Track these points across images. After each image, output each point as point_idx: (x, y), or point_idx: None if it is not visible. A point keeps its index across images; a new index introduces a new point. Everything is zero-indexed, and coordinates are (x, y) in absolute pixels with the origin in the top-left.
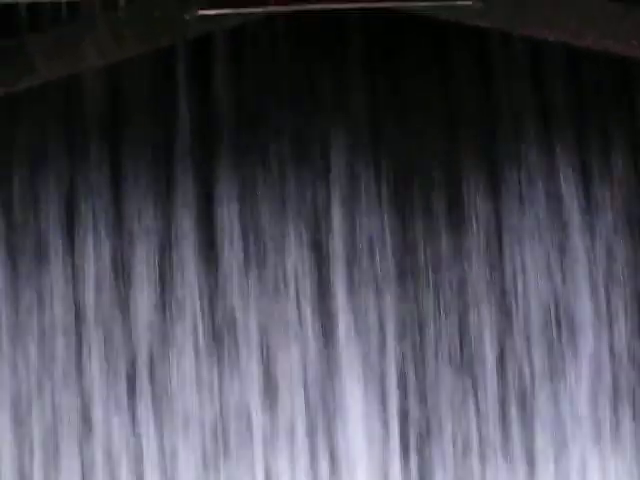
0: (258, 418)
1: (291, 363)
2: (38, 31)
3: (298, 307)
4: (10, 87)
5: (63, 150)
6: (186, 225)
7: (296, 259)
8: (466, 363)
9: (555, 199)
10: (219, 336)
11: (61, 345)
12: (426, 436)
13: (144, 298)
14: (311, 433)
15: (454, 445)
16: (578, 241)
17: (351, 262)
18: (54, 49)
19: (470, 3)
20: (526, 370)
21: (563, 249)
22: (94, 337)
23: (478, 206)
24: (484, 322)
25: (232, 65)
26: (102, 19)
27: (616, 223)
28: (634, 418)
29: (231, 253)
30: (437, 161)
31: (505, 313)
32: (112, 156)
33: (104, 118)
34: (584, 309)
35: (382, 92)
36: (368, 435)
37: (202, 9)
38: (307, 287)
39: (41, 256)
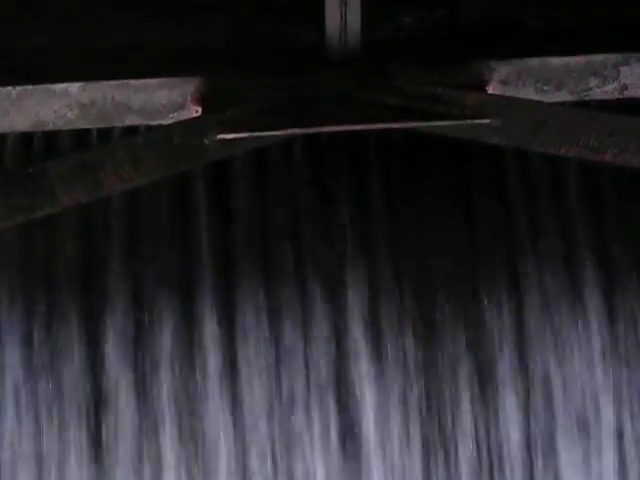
0: None
1: None
2: (58, 157)
3: (322, 439)
4: (31, 214)
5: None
6: (210, 359)
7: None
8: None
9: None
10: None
11: None
12: None
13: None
14: None
15: None
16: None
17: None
18: (74, 175)
19: (487, 121)
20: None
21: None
22: None
23: (499, 324)
24: (511, 428)
25: (252, 188)
26: (121, 145)
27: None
28: None
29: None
30: (456, 279)
31: (532, 418)
32: (132, 284)
33: (122, 243)
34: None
35: (401, 210)
36: None
37: (221, 133)
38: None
39: (63, 395)
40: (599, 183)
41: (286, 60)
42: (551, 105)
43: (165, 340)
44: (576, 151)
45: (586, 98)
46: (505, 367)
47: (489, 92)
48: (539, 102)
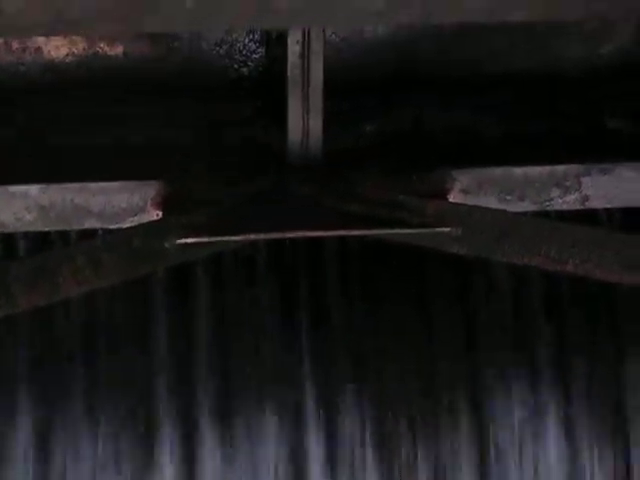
0: None
1: None
2: (16, 259)
3: None
4: None
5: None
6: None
7: None
8: None
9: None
10: None
11: None
12: None
13: None
14: None
15: None
16: None
17: None
18: (33, 278)
19: (448, 230)
20: None
21: None
22: None
23: (458, 436)
24: None
25: (212, 292)
26: (81, 248)
27: None
28: None
29: None
30: (417, 389)
31: None
32: (87, 387)
33: (78, 347)
34: None
35: (360, 316)
36: None
37: (182, 237)
38: None
39: None
40: (561, 292)
41: (249, 165)
42: (513, 214)
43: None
44: (538, 261)
45: (548, 208)
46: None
47: (450, 201)
48: (501, 211)
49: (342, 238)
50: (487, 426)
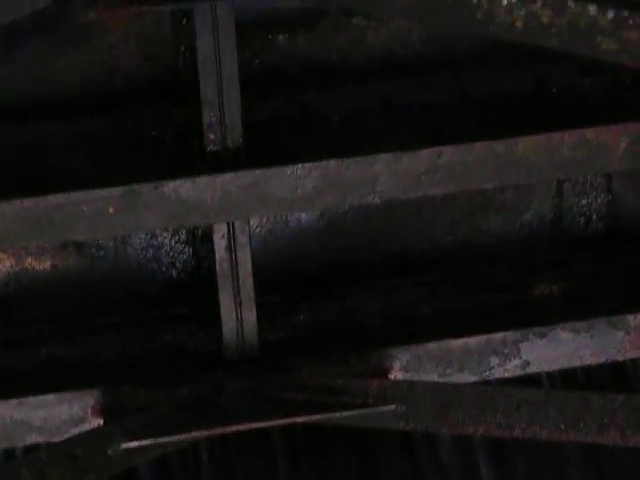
0: None
1: None
2: None
3: None
4: None
5: None
6: None
7: None
8: None
9: None
10: None
11: None
12: None
13: None
14: None
15: None
16: None
17: None
18: None
19: (392, 407)
20: None
21: None
22: None
23: None
24: None
25: None
26: (24, 462)
27: None
28: None
29: None
30: None
31: None
32: None
33: None
34: None
35: None
36: None
37: (124, 442)
38: None
39: None
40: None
41: (186, 364)
42: (454, 385)
43: None
44: (484, 429)
45: (489, 377)
46: None
47: (391, 379)
48: (442, 384)
49: (288, 428)
50: None
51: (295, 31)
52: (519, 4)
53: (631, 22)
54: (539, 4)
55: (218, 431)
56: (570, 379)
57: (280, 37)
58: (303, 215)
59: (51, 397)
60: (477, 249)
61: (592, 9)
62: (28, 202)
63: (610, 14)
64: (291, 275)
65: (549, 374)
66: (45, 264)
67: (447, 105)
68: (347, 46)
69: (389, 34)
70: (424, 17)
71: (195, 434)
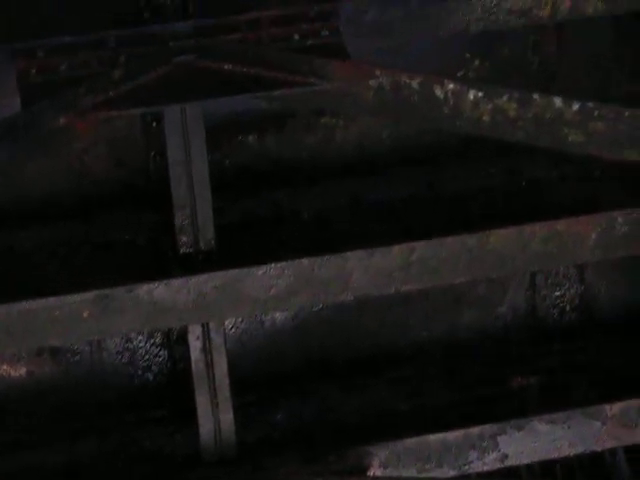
0: None
1: None
2: None
3: None
4: None
5: None
6: None
7: None
8: None
9: None
10: None
11: None
12: None
13: None
14: None
15: None
16: None
17: None
18: None
19: None
20: None
21: None
22: None
23: None
24: None
25: None
26: None
27: None
28: None
29: None
30: None
31: None
32: None
33: None
34: None
35: None
36: None
37: None
38: None
39: None
40: None
41: (164, 468)
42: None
43: None
44: None
45: (468, 471)
46: None
47: (370, 476)
48: (422, 478)
49: None
50: None
51: (264, 132)
52: (485, 99)
53: (597, 113)
54: (505, 98)
55: None
56: (549, 470)
57: (250, 138)
58: (278, 314)
59: None
60: (452, 344)
61: (557, 101)
62: (2, 308)
63: (575, 106)
64: (267, 374)
65: (528, 466)
66: (20, 370)
67: (417, 200)
68: (317, 145)
69: (359, 132)
70: (392, 114)
71: None
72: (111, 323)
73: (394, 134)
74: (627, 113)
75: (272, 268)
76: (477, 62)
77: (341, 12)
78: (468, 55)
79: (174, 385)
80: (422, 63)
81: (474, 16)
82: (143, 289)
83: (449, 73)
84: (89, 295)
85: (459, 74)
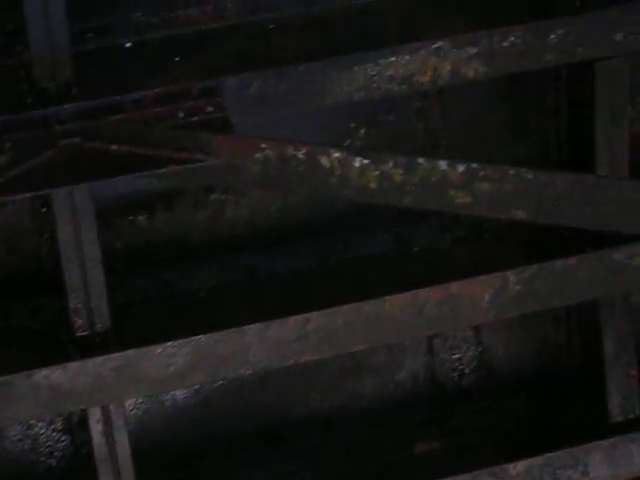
0: None
1: None
2: None
3: None
4: None
5: None
6: None
7: None
8: None
9: None
10: None
11: None
12: None
13: None
14: None
15: None
16: None
17: None
18: None
19: None
20: None
21: None
22: None
23: None
24: None
25: None
26: None
27: None
28: None
29: None
30: None
31: None
32: None
33: None
34: None
35: None
36: None
37: None
38: None
39: None
40: None
41: None
42: None
43: None
44: None
45: None
46: None
47: None
48: None
49: None
50: None
51: (154, 211)
52: (371, 165)
53: (482, 174)
54: (391, 164)
55: None
56: None
57: (140, 218)
58: (178, 392)
59: None
60: (355, 413)
61: (443, 164)
62: None
63: (460, 168)
64: (171, 454)
65: None
66: None
67: (312, 271)
68: (208, 221)
69: (249, 206)
70: (280, 186)
71: None
72: (11, 410)
73: (285, 206)
74: (512, 172)
75: (169, 346)
76: (363, 131)
77: (224, 87)
78: (353, 124)
79: (78, 469)
80: (308, 134)
81: (357, 85)
82: (41, 374)
83: (336, 143)
84: None
85: (346, 143)
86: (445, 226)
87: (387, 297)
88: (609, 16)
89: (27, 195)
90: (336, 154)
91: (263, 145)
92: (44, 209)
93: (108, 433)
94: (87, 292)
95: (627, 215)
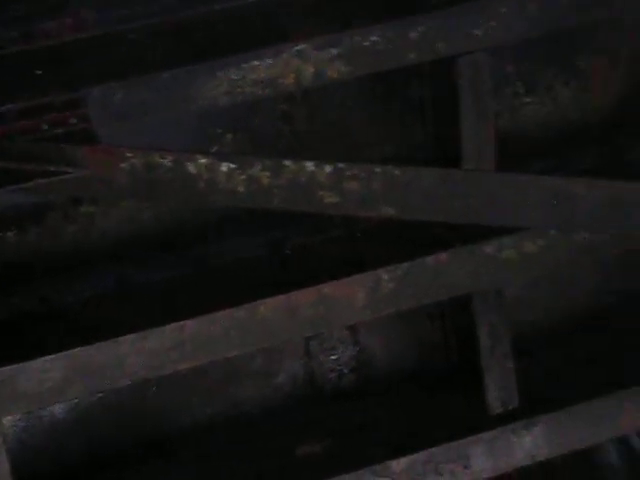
0: None
1: None
2: None
3: None
4: None
5: None
6: None
7: None
8: None
9: None
10: None
11: None
12: None
13: None
14: None
15: None
16: None
17: None
18: None
19: None
20: None
21: None
22: None
23: None
24: None
25: None
26: None
27: None
28: None
29: None
30: None
31: None
32: None
33: None
34: None
35: None
36: None
37: None
38: None
39: None
40: None
41: None
42: None
43: None
44: None
45: None
46: None
47: None
48: None
49: None
50: None
51: (24, 226)
52: (239, 170)
53: (349, 173)
54: (258, 167)
55: None
56: None
57: (9, 234)
58: (57, 407)
59: None
60: (236, 418)
61: (310, 165)
62: None
63: (328, 168)
64: (52, 471)
65: None
66: None
67: (184, 277)
68: (77, 234)
69: (119, 216)
70: (147, 195)
71: None
72: None
73: (156, 215)
74: (378, 170)
75: (45, 361)
76: (230, 136)
77: (89, 98)
78: (220, 130)
79: None
80: (176, 142)
81: (221, 90)
82: None
83: (203, 149)
84: None
85: (213, 149)
86: (319, 227)
87: (260, 301)
88: (468, 11)
89: None
90: (203, 160)
91: (128, 154)
92: None
93: None
94: None
95: (495, 208)
